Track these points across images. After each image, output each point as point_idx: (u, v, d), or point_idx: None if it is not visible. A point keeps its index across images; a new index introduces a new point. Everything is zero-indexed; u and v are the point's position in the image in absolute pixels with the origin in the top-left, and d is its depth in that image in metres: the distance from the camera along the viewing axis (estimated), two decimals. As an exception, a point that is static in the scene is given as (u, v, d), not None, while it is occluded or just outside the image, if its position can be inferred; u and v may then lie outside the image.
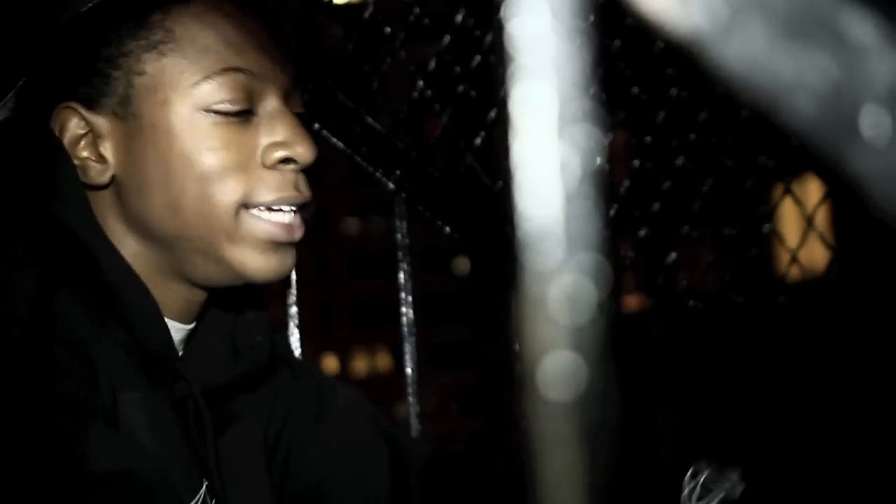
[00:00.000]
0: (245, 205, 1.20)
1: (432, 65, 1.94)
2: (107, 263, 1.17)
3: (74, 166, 1.21)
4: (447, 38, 1.91)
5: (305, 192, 1.24)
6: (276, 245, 1.22)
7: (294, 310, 1.74)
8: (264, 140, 1.21)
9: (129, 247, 1.21)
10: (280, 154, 1.21)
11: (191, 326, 1.27)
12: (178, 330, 1.24)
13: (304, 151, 1.21)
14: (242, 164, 1.20)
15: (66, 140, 1.21)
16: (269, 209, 1.21)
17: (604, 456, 0.35)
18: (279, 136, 1.21)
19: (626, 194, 2.08)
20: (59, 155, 1.20)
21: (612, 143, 2.15)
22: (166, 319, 1.22)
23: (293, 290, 1.74)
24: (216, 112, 1.19)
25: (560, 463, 0.36)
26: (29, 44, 1.24)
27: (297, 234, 1.23)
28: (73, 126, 1.21)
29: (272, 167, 1.21)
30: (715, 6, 0.38)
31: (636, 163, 2.14)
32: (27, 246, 1.14)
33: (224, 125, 1.19)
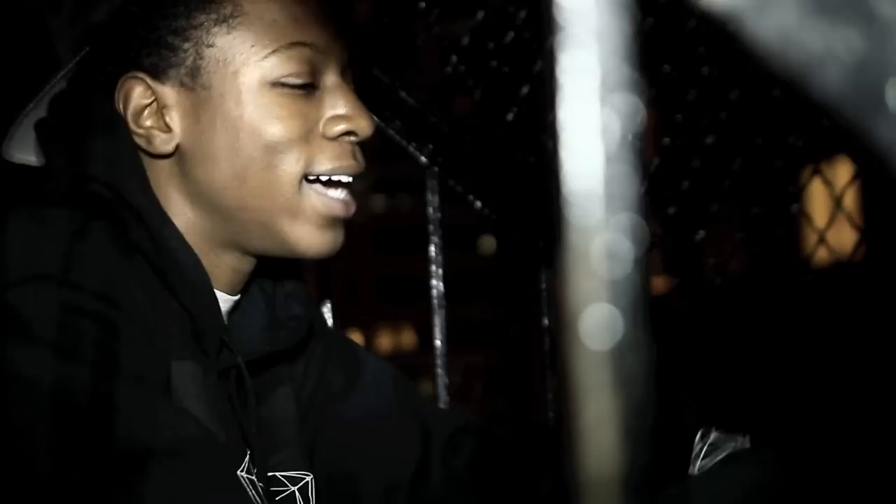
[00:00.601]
0: (306, 175, 1.24)
1: (465, 40, 1.96)
2: (161, 234, 1.21)
3: (130, 136, 1.23)
4: (480, 14, 1.93)
5: (362, 163, 1.28)
6: (332, 220, 1.26)
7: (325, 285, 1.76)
8: (327, 112, 1.25)
9: (186, 217, 1.24)
10: (342, 127, 1.25)
11: (236, 298, 1.30)
12: (225, 301, 1.28)
13: (364, 125, 1.26)
14: (305, 135, 1.23)
15: (131, 109, 1.24)
16: (328, 183, 1.25)
17: (639, 401, 0.38)
18: (341, 110, 1.25)
19: (655, 172, 2.10)
20: (116, 124, 1.23)
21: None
22: (215, 291, 1.25)
23: (333, 268, 1.77)
24: (283, 84, 1.22)
25: (598, 408, 0.38)
26: (92, 15, 1.27)
27: (352, 209, 1.28)
28: (138, 95, 1.24)
29: (333, 138, 1.25)
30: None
31: (666, 140, 2.16)
32: (86, 215, 1.17)
33: (290, 97, 1.23)
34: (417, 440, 1.43)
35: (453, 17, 1.97)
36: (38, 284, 1.10)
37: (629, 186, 0.38)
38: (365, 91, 1.85)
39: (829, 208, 2.27)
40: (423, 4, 1.91)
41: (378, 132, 1.92)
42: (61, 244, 1.13)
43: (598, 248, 0.38)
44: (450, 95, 1.93)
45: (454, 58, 1.95)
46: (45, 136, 1.26)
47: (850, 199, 2.31)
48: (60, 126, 1.26)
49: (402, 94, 1.87)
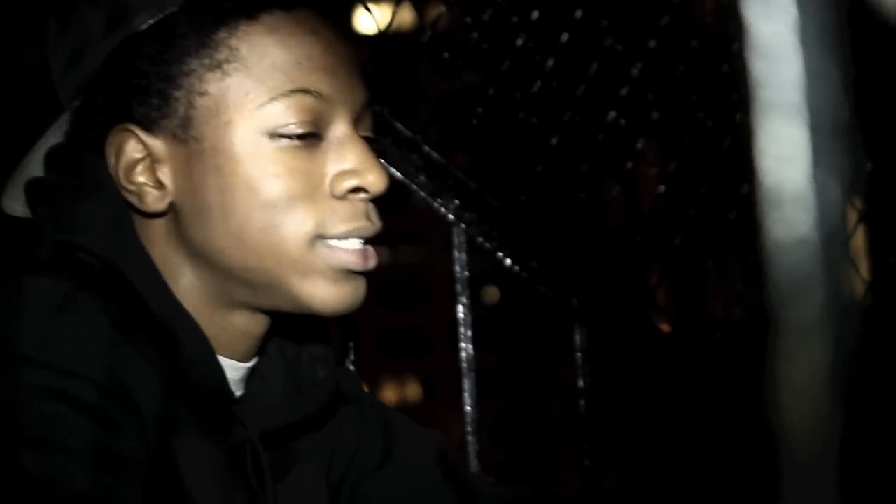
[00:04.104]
0: (319, 236, 1.14)
1: (491, 91, 1.89)
2: (154, 299, 1.11)
3: (120, 194, 1.15)
4: (506, 64, 1.86)
5: (377, 223, 1.17)
6: (348, 274, 1.15)
7: (349, 343, 1.68)
8: (333, 168, 1.15)
9: (185, 279, 1.15)
10: (350, 183, 1.14)
11: (249, 364, 1.20)
12: (235, 369, 1.18)
13: (375, 180, 1.15)
14: (310, 194, 1.13)
15: (123, 164, 1.14)
16: (342, 240, 1.15)
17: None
18: (349, 164, 1.15)
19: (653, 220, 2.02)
20: (105, 183, 1.14)
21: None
22: (222, 358, 1.15)
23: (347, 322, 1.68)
24: (282, 136, 1.12)
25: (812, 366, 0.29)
26: (84, 63, 1.18)
27: (372, 262, 1.17)
28: (131, 149, 1.14)
29: (342, 197, 1.15)
30: None
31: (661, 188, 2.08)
32: (73, 285, 1.07)
33: (291, 150, 1.13)
34: None
35: (476, 66, 1.90)
36: (4, 364, 1.00)
37: (841, 237, 0.29)
38: (387, 145, 1.79)
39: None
40: (446, 55, 1.83)
41: (402, 188, 1.86)
42: (39, 318, 1.03)
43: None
44: (477, 149, 1.85)
45: (479, 110, 1.87)
46: (33, 196, 1.17)
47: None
48: (48, 186, 1.17)
49: (426, 147, 1.79)
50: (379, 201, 1.18)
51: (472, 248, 1.85)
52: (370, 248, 1.16)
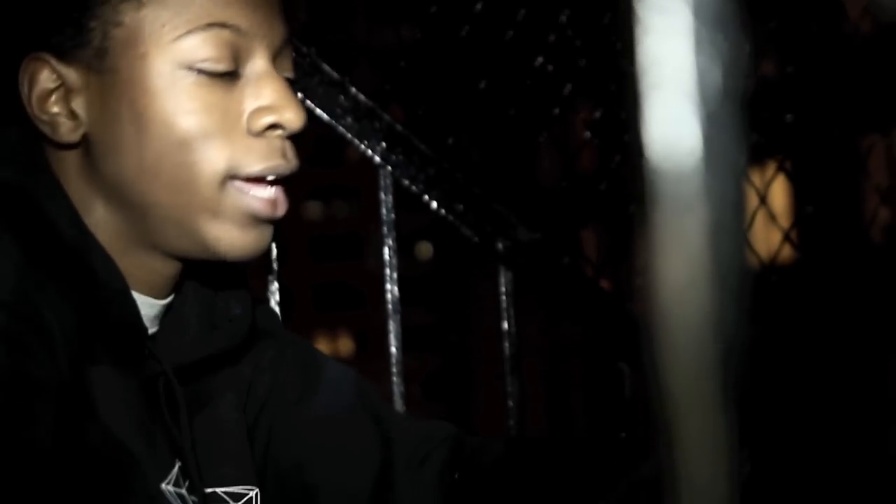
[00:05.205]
0: (231, 176, 1.12)
1: (419, 35, 1.88)
2: (67, 230, 1.10)
3: (33, 124, 1.13)
4: (434, 8, 1.85)
5: (293, 161, 1.16)
6: (257, 221, 1.14)
7: (275, 288, 1.68)
8: (250, 104, 1.13)
9: (97, 213, 1.13)
10: (267, 119, 1.13)
11: (164, 302, 1.19)
12: (150, 306, 1.17)
13: (292, 117, 1.14)
14: (226, 131, 1.12)
15: (36, 93, 1.12)
16: (255, 182, 1.14)
17: (749, 405, 0.30)
18: (266, 100, 1.13)
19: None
20: (17, 113, 1.12)
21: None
22: (137, 294, 1.14)
23: (274, 272, 1.68)
24: (199, 70, 1.11)
25: (700, 420, 0.30)
26: None
27: (281, 210, 1.16)
28: (44, 78, 1.12)
29: (259, 134, 1.13)
30: None
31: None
32: None
33: (207, 85, 1.11)
34: (379, 451, 1.33)
35: (408, 10, 1.89)
36: None
37: (732, 150, 0.30)
38: (314, 87, 1.78)
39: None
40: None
41: (328, 130, 1.85)
42: None
43: (695, 226, 0.30)
44: (405, 91, 1.85)
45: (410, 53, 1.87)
46: None
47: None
48: None
49: (353, 90, 1.79)
50: (297, 139, 1.18)
51: (399, 193, 1.85)
52: (281, 196, 1.15)
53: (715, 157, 0.31)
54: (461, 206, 1.83)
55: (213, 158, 1.11)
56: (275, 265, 1.68)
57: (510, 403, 1.83)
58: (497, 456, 1.33)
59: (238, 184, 1.13)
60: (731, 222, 0.31)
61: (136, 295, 1.14)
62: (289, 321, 1.53)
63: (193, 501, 1.14)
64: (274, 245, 1.62)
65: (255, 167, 1.13)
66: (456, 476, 1.32)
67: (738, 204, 0.31)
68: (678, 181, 0.31)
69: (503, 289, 1.85)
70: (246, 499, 1.26)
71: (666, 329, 0.31)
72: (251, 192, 1.13)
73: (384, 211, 1.80)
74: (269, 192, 1.14)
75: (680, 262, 0.31)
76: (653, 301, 0.31)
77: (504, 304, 1.85)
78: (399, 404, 1.82)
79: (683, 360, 0.31)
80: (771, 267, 2.16)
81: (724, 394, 0.31)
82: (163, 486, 1.10)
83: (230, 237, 1.13)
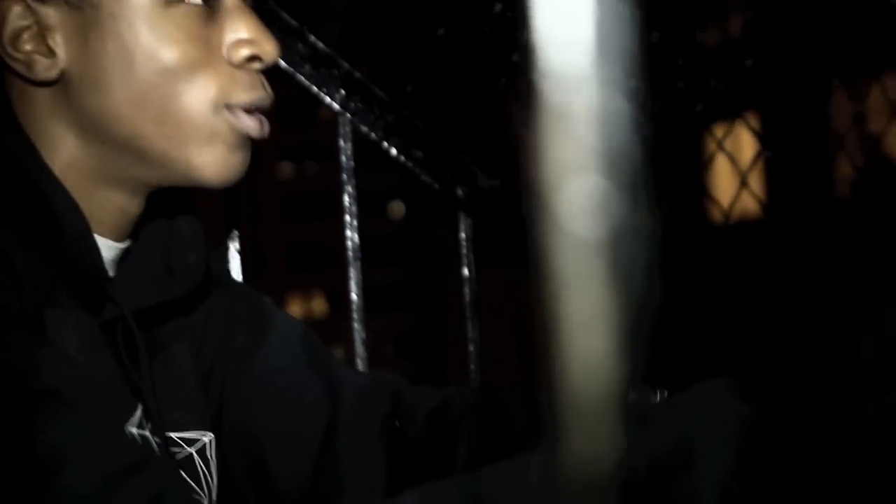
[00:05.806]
0: (223, 103, 1.16)
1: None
2: (32, 174, 1.11)
3: (4, 63, 1.13)
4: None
5: (271, 93, 1.20)
6: (246, 141, 1.18)
7: (236, 247, 1.67)
8: (229, 36, 1.17)
9: (68, 152, 1.14)
10: (247, 52, 1.17)
11: (124, 245, 1.20)
12: (109, 248, 1.18)
13: (270, 49, 1.18)
14: (210, 61, 1.15)
15: (7, 32, 1.13)
16: (243, 111, 1.17)
17: (637, 297, 0.30)
18: (244, 33, 1.17)
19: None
20: None
21: None
22: (98, 237, 1.15)
23: (247, 233, 1.67)
24: (178, 1, 1.13)
25: (586, 306, 0.31)
26: None
27: (266, 128, 1.20)
28: (15, 17, 1.13)
29: (239, 66, 1.17)
30: None
31: None
32: None
33: (189, 17, 1.14)
34: (327, 401, 1.34)
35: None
36: None
37: (625, 30, 0.31)
38: (272, 35, 1.76)
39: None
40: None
41: (287, 78, 1.85)
42: None
43: (584, 108, 0.30)
44: (365, 40, 1.84)
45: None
46: None
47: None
48: None
49: (312, 38, 1.78)
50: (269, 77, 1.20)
51: (368, 149, 1.85)
52: (265, 120, 1.19)
53: (605, 40, 0.31)
54: (420, 154, 1.83)
55: (204, 87, 1.14)
56: (247, 225, 1.67)
57: (470, 349, 1.84)
58: (432, 406, 1.35)
59: (231, 108, 1.16)
60: (621, 106, 0.31)
61: (97, 238, 1.15)
62: (262, 281, 1.53)
63: (157, 443, 1.15)
64: (245, 205, 1.62)
65: (242, 97, 1.16)
66: (396, 425, 1.34)
67: (628, 90, 0.32)
68: (567, 65, 0.31)
69: (463, 234, 1.86)
70: (200, 444, 1.26)
71: (551, 215, 0.31)
72: (242, 116, 1.17)
73: (343, 158, 1.79)
74: (257, 117, 1.18)
75: (565, 147, 0.31)
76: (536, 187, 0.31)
77: (464, 250, 1.85)
78: (360, 350, 1.82)
79: (570, 246, 0.31)
80: (733, 220, 2.18)
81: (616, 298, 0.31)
82: (127, 427, 1.11)
83: (219, 161, 1.16)
